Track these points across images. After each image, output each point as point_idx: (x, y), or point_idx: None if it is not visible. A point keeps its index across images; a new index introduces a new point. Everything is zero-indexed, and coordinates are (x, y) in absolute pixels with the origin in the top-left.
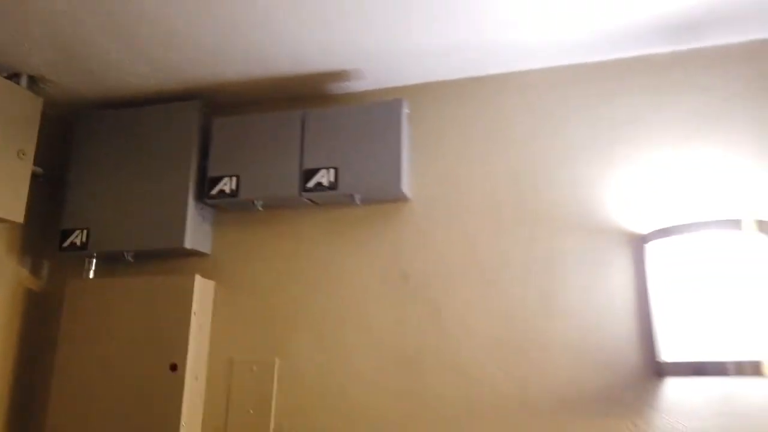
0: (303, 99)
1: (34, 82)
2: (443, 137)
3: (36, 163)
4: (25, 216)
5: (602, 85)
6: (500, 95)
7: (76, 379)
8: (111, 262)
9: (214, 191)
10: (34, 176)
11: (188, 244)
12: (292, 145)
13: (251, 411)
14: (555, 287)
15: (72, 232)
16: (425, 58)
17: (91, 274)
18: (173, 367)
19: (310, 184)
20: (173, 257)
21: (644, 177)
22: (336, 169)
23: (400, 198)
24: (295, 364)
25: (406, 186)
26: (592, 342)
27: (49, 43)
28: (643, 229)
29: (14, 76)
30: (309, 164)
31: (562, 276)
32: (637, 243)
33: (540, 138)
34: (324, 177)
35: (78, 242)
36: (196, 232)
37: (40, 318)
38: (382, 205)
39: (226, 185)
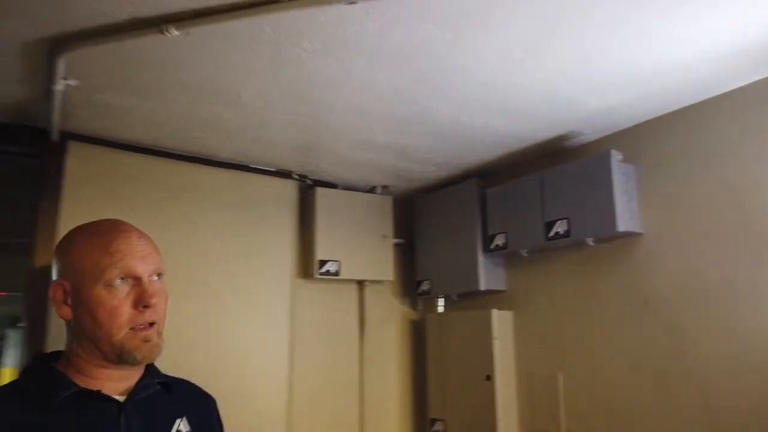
0: (541, 159)
1: (385, 188)
2: (665, 170)
3: (394, 236)
4: (394, 274)
5: None
6: (714, 119)
7: (439, 377)
8: (449, 301)
9: (492, 245)
10: (395, 245)
11: (482, 286)
12: (535, 203)
13: (547, 413)
14: None
15: (422, 282)
16: (638, 102)
17: (441, 309)
18: (488, 378)
19: (551, 233)
20: (483, 295)
21: None
22: (567, 219)
23: (630, 233)
24: (573, 376)
25: (625, 224)
26: None
27: (388, 169)
28: None
29: (373, 188)
30: (548, 217)
31: None
32: None
33: (761, 158)
34: (560, 227)
35: (427, 288)
36: (489, 276)
37: (418, 337)
38: (615, 242)
39: (500, 240)
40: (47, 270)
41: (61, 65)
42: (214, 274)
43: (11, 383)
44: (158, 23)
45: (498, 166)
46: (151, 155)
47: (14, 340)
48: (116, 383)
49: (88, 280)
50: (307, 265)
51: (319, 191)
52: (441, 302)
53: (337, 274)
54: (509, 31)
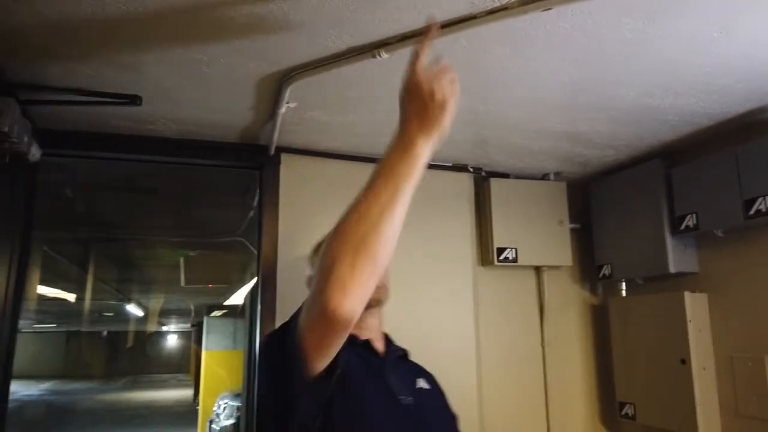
0: (732, 134)
1: (558, 174)
2: None
3: (570, 221)
4: (572, 259)
5: None
6: None
7: (626, 361)
8: (632, 285)
9: (682, 227)
10: (571, 230)
11: (672, 269)
12: (731, 180)
13: (754, 398)
14: None
15: (602, 266)
16: None
17: (623, 293)
18: (683, 361)
19: (752, 211)
20: (671, 278)
21: None
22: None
23: None
24: None
25: None
26: None
27: (562, 156)
28: None
29: (546, 175)
30: (748, 194)
31: None
32: None
33: None
34: (762, 204)
35: (607, 273)
36: (679, 258)
37: (600, 321)
38: None
39: (690, 221)
40: (273, 263)
41: (287, 93)
42: (403, 265)
43: None
44: (371, 49)
45: (682, 144)
46: (350, 161)
47: (211, 327)
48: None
49: None
50: (486, 253)
51: (494, 182)
52: (623, 286)
53: (515, 260)
54: (702, 12)
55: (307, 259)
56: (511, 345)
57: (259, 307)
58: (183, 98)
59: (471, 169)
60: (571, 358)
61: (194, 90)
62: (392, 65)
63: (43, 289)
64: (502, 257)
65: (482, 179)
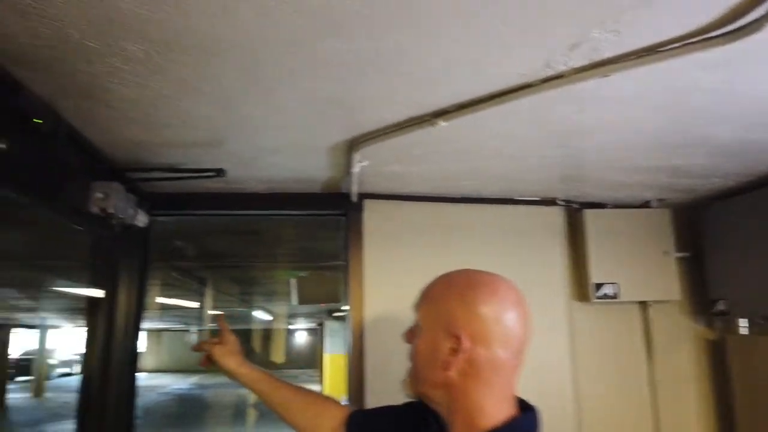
0: None
1: (661, 201)
2: None
3: (676, 250)
4: (680, 292)
5: None
6: None
7: (751, 404)
8: (755, 322)
9: None
10: (678, 260)
11: None
12: None
13: None
14: None
15: (717, 301)
16: None
17: (743, 330)
18: None
19: None
20: None
21: None
22: None
23: None
24: None
25: None
26: None
27: (661, 186)
28: None
29: (647, 203)
30: None
31: None
32: None
33: None
34: None
35: (724, 308)
36: None
37: (717, 360)
38: None
39: None
40: (359, 302)
41: (357, 156)
42: None
43: (403, 404)
44: (429, 119)
45: None
46: (428, 201)
47: (331, 331)
48: None
49: None
50: (583, 288)
51: (588, 213)
52: (743, 322)
53: (615, 296)
54: None
55: None
56: (614, 384)
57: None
58: (263, 165)
59: (561, 203)
60: (685, 397)
61: (272, 157)
62: (454, 128)
63: (181, 302)
64: (600, 293)
65: (575, 211)
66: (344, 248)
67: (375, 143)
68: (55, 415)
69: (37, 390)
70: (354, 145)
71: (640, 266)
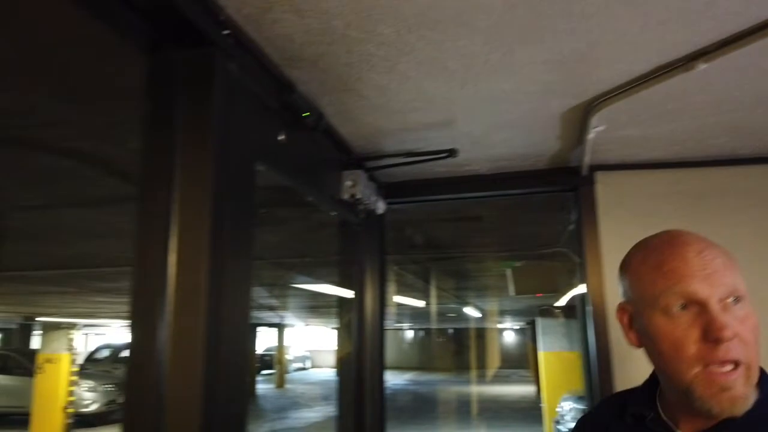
0: None
1: None
2: None
3: None
4: None
5: None
6: None
7: None
8: None
9: None
10: None
11: None
12: None
13: None
14: None
15: None
16: None
17: None
18: None
19: None
20: None
21: None
22: None
23: None
24: None
25: None
26: None
27: None
28: None
29: None
30: None
31: None
32: None
33: None
34: None
35: None
36: None
37: None
38: None
39: None
40: (599, 287)
41: (593, 120)
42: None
43: (629, 390)
44: (683, 63)
45: None
46: (668, 168)
47: (545, 328)
48: (701, 421)
49: (646, 306)
50: None
51: None
52: None
53: None
54: None
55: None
56: None
57: (589, 319)
58: (492, 142)
59: None
60: None
61: (502, 133)
62: (707, 74)
63: (398, 298)
64: None
65: None
66: (576, 227)
67: (613, 103)
68: (295, 404)
69: (279, 382)
70: (590, 108)
71: None
